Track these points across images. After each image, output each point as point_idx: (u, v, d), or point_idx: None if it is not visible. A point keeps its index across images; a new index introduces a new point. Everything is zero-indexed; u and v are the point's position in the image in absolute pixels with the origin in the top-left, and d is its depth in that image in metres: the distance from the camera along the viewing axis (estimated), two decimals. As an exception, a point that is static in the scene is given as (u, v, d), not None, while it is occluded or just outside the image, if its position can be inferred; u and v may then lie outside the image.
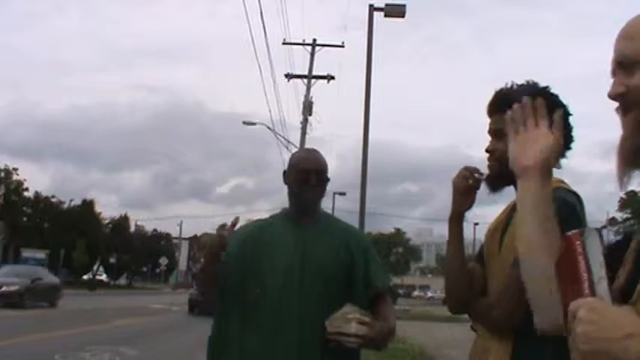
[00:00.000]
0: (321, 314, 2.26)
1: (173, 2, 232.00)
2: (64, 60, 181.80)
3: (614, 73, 1.14)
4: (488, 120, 2.01)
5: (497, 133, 1.96)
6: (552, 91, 1.95)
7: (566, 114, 1.97)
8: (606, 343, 0.87)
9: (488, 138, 2.00)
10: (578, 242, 0.99)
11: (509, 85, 1.97)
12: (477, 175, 1.98)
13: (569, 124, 1.96)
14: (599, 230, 1.01)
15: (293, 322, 2.30)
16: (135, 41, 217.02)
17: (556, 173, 1.97)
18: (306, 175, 2.41)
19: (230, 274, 2.37)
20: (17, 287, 20.55)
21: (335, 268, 2.38)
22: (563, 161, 1.96)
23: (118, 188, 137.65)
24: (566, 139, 1.96)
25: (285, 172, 2.52)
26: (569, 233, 1.02)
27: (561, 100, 1.96)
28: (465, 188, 1.99)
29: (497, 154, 1.95)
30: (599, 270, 0.97)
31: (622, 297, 1.02)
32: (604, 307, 0.92)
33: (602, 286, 0.96)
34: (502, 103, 1.95)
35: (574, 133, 1.96)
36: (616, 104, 1.13)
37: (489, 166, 1.98)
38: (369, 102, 13.65)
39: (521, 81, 1.99)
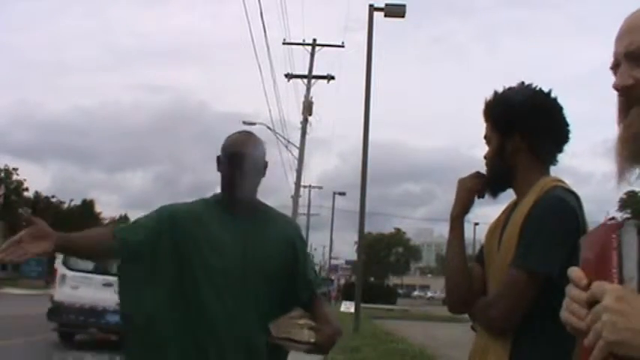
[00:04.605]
0: (265, 315, 2.18)
1: (174, 3, 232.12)
2: (66, 60, 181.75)
3: (615, 67, 1.11)
4: (484, 124, 2.00)
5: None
6: (551, 91, 1.95)
7: (562, 113, 1.97)
8: (635, 335, 0.86)
9: (484, 143, 2.00)
10: (614, 236, 0.93)
11: (505, 88, 1.97)
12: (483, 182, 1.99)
13: (565, 122, 1.96)
14: (638, 226, 0.93)
15: (235, 322, 2.19)
16: (136, 42, 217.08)
17: (555, 172, 1.97)
18: (230, 159, 2.26)
19: (160, 262, 2.21)
20: None
21: (278, 267, 2.28)
22: (559, 155, 1.96)
23: (118, 188, 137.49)
24: (561, 138, 1.96)
25: (218, 157, 2.35)
26: (608, 222, 0.95)
27: (558, 102, 1.96)
28: (470, 190, 2.00)
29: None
30: (632, 269, 0.91)
31: None
32: (632, 296, 0.89)
33: (632, 286, 0.91)
34: (499, 106, 1.96)
35: (573, 134, 1.96)
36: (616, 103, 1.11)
37: (488, 172, 1.99)
38: (369, 102, 13.68)
39: (522, 82, 1.99)
